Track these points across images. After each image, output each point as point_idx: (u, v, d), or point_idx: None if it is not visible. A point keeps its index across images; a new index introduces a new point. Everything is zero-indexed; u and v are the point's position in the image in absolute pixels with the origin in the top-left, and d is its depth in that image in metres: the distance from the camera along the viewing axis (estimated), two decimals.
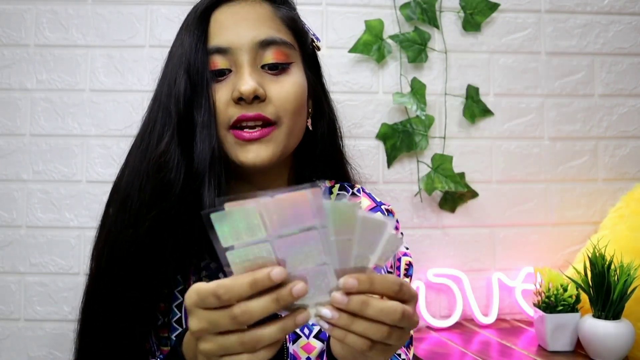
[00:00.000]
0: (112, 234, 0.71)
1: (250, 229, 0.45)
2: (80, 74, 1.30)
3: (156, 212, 0.67)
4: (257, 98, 0.69)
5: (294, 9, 0.80)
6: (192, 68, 0.70)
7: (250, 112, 0.69)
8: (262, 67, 0.71)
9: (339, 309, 0.46)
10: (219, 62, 0.70)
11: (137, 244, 0.68)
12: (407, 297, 0.49)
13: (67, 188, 1.28)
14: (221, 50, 0.70)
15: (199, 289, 0.47)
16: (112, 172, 1.27)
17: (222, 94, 0.70)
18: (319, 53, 0.84)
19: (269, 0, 0.76)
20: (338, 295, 0.46)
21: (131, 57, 1.31)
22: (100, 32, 1.31)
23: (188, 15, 0.76)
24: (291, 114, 0.72)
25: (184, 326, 0.71)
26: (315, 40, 0.82)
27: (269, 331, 0.46)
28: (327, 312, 0.46)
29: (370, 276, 0.47)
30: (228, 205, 0.45)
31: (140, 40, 1.31)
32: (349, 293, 0.46)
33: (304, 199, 0.44)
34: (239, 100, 0.69)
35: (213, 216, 0.45)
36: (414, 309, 0.50)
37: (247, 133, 0.69)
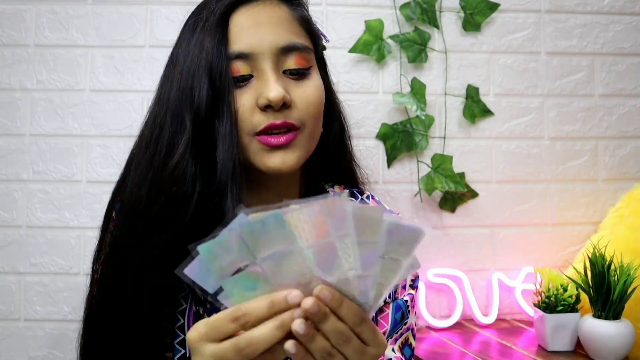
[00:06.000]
0: (118, 250, 0.70)
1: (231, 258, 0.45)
2: (80, 74, 1.30)
3: (171, 231, 0.65)
4: (284, 105, 0.68)
5: (307, 9, 0.78)
6: (214, 73, 0.67)
7: (278, 119, 0.67)
8: (284, 72, 0.70)
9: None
10: (240, 67, 0.68)
11: (147, 265, 0.66)
12: (365, 336, 0.49)
13: (67, 188, 1.28)
14: (243, 56, 0.68)
15: (207, 320, 0.48)
16: (112, 172, 1.27)
17: (245, 100, 0.68)
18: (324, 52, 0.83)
19: (285, 0, 0.74)
20: (323, 290, 0.46)
21: (131, 57, 1.31)
22: (100, 32, 1.31)
23: (202, 15, 0.72)
24: (313, 118, 0.71)
25: (186, 333, 0.70)
26: (324, 39, 0.81)
27: (264, 330, 0.45)
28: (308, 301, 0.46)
29: (342, 297, 0.47)
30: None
31: (140, 40, 1.31)
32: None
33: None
34: (266, 107, 0.67)
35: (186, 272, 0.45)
36: (377, 349, 0.50)
37: (274, 139, 0.68)
